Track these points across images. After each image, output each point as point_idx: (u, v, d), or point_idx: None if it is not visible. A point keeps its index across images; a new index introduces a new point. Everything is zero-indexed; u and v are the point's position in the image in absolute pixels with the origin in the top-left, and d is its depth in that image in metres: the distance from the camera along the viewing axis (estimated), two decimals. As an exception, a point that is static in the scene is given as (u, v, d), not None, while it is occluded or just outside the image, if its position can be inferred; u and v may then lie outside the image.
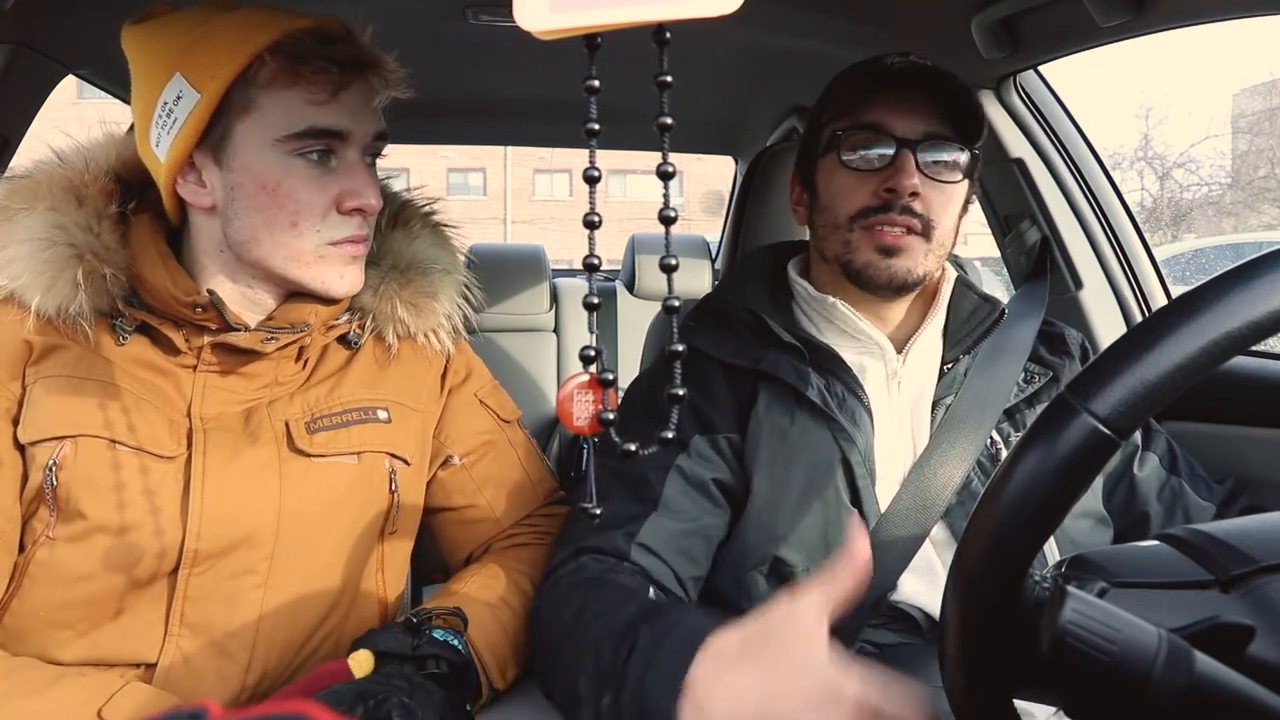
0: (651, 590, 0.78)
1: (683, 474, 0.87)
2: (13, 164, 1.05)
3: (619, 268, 2.37)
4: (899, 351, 0.92)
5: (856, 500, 0.86)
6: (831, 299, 0.91)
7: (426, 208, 0.96)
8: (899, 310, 0.94)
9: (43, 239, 0.75)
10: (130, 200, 0.81)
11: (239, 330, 0.78)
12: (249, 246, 0.78)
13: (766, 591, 0.88)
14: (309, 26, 0.74)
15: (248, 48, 0.72)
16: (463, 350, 0.98)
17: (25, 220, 0.76)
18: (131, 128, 0.82)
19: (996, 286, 1.01)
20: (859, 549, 0.51)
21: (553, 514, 0.98)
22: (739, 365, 0.90)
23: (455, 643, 0.76)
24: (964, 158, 0.88)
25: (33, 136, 1.18)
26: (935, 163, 0.87)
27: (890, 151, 0.87)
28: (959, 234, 0.93)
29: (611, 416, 0.45)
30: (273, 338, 0.79)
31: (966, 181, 0.91)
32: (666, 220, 0.41)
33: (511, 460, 0.96)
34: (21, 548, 0.76)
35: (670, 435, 0.43)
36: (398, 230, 0.92)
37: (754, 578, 0.87)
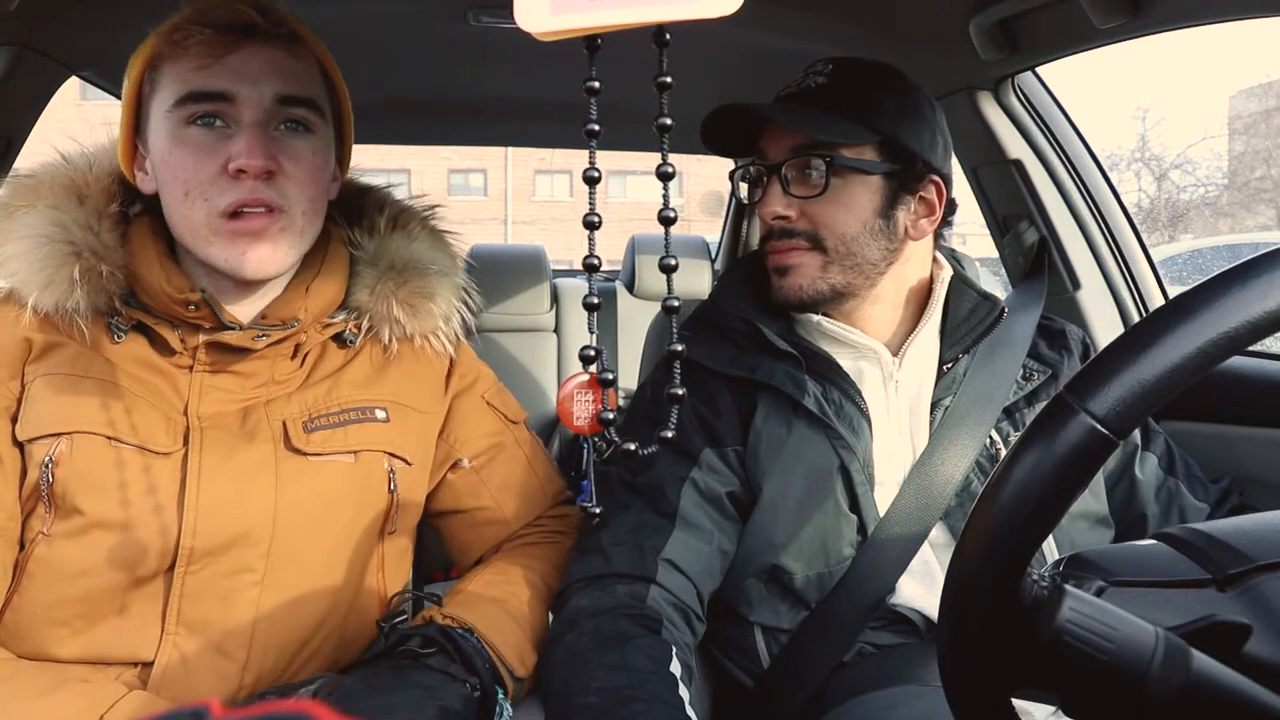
0: (674, 662, 0.76)
1: (697, 488, 0.87)
2: (17, 165, 1.06)
3: (619, 268, 2.37)
4: (895, 354, 0.92)
5: (855, 507, 0.86)
6: (817, 318, 0.91)
7: (426, 212, 0.97)
8: (889, 313, 0.93)
9: (42, 235, 0.75)
10: (132, 201, 0.81)
11: (232, 329, 0.78)
12: (172, 227, 0.78)
13: (765, 597, 0.88)
14: (201, 3, 0.76)
15: (156, 32, 0.75)
16: (467, 354, 0.98)
17: (25, 217, 0.76)
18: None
19: (995, 287, 1.00)
20: None
21: (562, 514, 0.98)
22: (737, 375, 0.90)
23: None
24: (823, 165, 0.86)
25: (38, 138, 1.18)
26: (800, 178, 0.88)
27: (764, 180, 0.90)
28: (909, 234, 0.90)
29: (611, 416, 0.45)
30: (263, 335, 0.79)
31: (859, 179, 0.87)
32: (666, 221, 0.41)
33: (520, 461, 0.96)
34: (22, 545, 0.76)
35: (670, 434, 0.43)
36: (397, 233, 0.92)
37: (753, 584, 0.88)
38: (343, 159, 0.89)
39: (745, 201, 0.96)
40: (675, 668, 0.75)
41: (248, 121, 0.75)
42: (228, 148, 0.74)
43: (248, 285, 0.80)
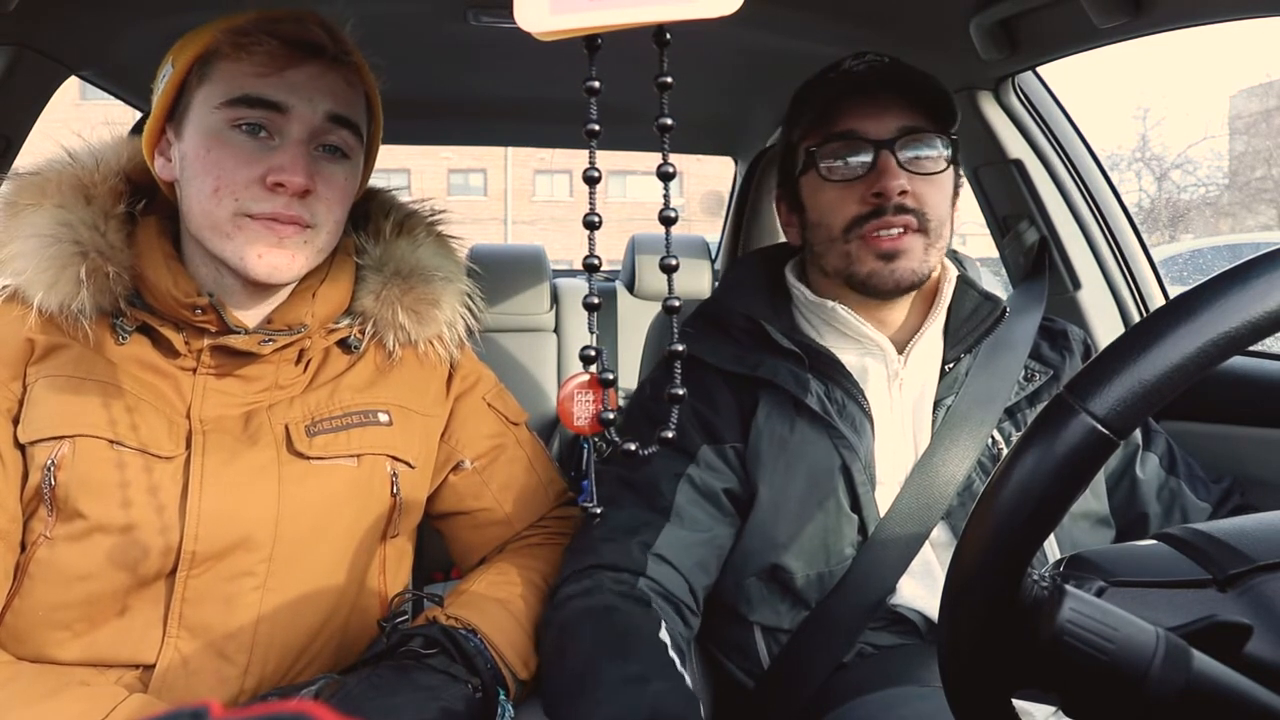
0: (663, 630, 0.76)
1: (693, 484, 0.87)
2: (17, 165, 1.05)
3: (619, 268, 2.37)
4: (900, 352, 0.91)
5: (856, 507, 0.86)
6: (831, 303, 0.91)
7: (432, 217, 0.96)
8: (900, 311, 0.93)
9: (48, 235, 0.75)
10: (139, 201, 0.81)
11: (238, 333, 0.78)
12: (189, 220, 0.78)
13: (765, 597, 0.88)
14: (271, 12, 0.76)
15: (215, 27, 0.76)
16: (468, 356, 0.97)
17: (31, 216, 0.76)
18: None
19: (995, 287, 1.01)
20: None
21: (564, 515, 0.98)
22: (738, 373, 0.90)
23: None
24: (943, 146, 0.88)
25: (39, 136, 1.18)
26: (917, 157, 0.87)
27: (869, 157, 0.87)
28: (954, 227, 0.93)
29: (612, 416, 0.45)
30: (270, 340, 0.79)
31: (952, 169, 0.91)
32: (666, 221, 0.41)
33: (522, 462, 0.96)
34: (23, 547, 0.76)
35: (670, 434, 0.43)
36: (402, 238, 0.92)
37: (753, 584, 0.88)
38: (363, 180, 0.89)
39: (827, 179, 0.89)
40: (664, 635, 0.76)
41: (294, 137, 0.76)
42: (268, 159, 0.75)
43: (255, 287, 0.80)
